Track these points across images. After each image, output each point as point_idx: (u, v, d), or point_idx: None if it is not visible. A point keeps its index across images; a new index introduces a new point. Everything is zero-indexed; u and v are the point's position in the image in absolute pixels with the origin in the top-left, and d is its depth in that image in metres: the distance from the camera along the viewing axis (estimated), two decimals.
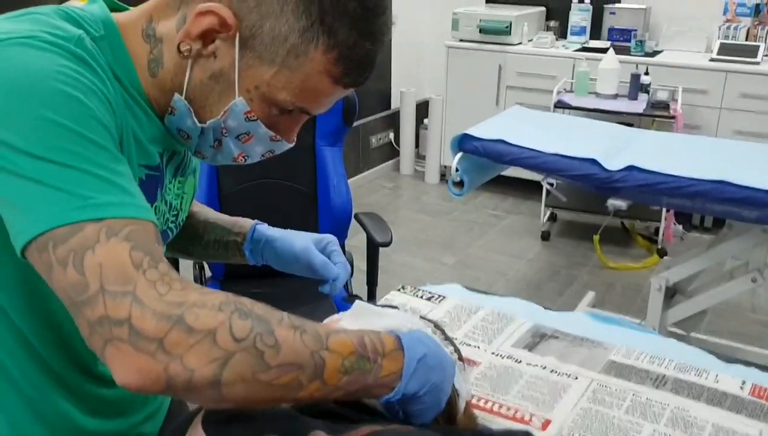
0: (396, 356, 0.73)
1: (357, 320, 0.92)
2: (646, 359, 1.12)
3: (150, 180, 0.80)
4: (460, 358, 0.95)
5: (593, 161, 2.30)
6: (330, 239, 1.05)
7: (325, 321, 0.96)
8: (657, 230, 3.71)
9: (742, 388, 1.05)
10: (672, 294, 2.71)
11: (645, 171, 2.25)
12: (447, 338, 0.95)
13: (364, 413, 0.78)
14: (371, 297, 2.09)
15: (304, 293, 2.15)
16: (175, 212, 0.90)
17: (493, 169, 2.61)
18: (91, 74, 0.68)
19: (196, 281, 2.17)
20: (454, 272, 3.37)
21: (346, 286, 2.17)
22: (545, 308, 1.32)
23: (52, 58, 0.65)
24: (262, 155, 0.82)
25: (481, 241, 3.77)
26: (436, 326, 0.95)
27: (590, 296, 3.13)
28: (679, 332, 2.64)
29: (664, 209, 3.57)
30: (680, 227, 3.79)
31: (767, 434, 0.95)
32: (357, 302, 0.96)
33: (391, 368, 0.73)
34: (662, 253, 3.59)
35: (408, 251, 3.57)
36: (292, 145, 0.82)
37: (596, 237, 3.58)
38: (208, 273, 2.19)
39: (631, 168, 2.26)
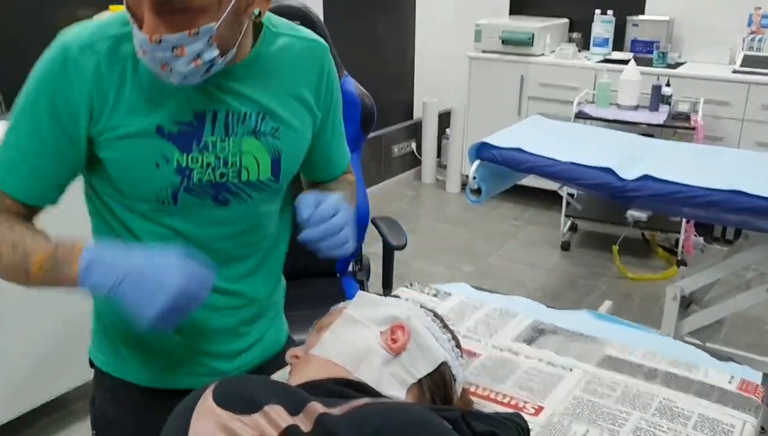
0: (75, 260, 0.90)
1: (359, 308, 0.98)
2: (640, 354, 1.17)
3: (183, 133, 0.95)
4: (458, 346, 1.01)
5: (609, 170, 2.33)
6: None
7: (332, 309, 1.03)
8: (677, 241, 3.72)
9: (730, 382, 1.09)
10: (688, 304, 2.73)
11: (659, 180, 2.27)
12: (445, 326, 1.01)
13: (363, 393, 0.85)
14: None
15: (323, 294, 2.23)
16: (236, 169, 1.00)
17: (510, 177, 2.66)
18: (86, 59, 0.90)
19: None
20: (472, 279, 3.38)
21: (363, 289, 2.23)
22: (548, 306, 1.37)
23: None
24: (162, 65, 0.88)
25: (501, 250, 3.81)
26: (435, 315, 1.02)
27: (607, 304, 3.15)
28: (696, 342, 2.65)
29: (683, 220, 3.57)
30: (701, 239, 3.79)
31: (751, 425, 0.99)
32: (359, 292, 1.02)
33: (73, 268, 0.90)
34: (682, 264, 3.59)
35: (427, 258, 3.62)
36: (146, 37, 0.85)
37: (615, 247, 3.60)
38: None
39: (645, 177, 2.29)
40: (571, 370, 1.12)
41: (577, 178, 2.42)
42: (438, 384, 0.93)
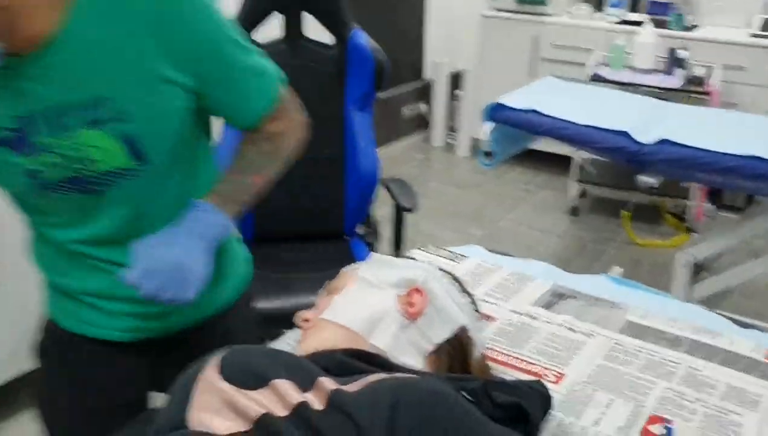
0: None
1: (374, 269, 0.95)
2: (663, 321, 1.13)
3: (16, 139, 0.86)
4: (476, 310, 0.97)
5: (625, 134, 2.28)
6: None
7: (343, 271, 0.99)
8: (686, 208, 3.67)
9: (756, 351, 1.06)
10: (698, 271, 2.70)
11: (677, 145, 2.22)
12: (464, 290, 0.97)
13: (376, 366, 0.81)
14: None
15: (331, 257, 2.20)
16: (86, 162, 0.88)
17: (524, 140, 2.61)
18: None
19: None
20: (481, 244, 3.37)
21: (371, 249, 2.20)
22: (565, 270, 1.33)
23: None
24: None
25: (511, 215, 3.77)
26: (454, 278, 0.98)
27: (617, 271, 3.12)
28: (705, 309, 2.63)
29: (694, 187, 3.52)
30: (711, 206, 3.74)
31: None
32: (373, 253, 0.99)
33: None
34: (691, 231, 3.55)
35: (436, 221, 3.59)
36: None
37: (625, 213, 3.55)
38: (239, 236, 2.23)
39: (663, 142, 2.24)
40: (592, 336, 1.09)
41: (592, 141, 2.36)
42: (456, 349, 0.90)
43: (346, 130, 2.18)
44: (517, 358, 1.04)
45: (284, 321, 2.10)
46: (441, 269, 0.98)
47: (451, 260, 1.31)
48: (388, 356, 0.84)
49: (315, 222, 2.27)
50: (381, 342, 0.86)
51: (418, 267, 0.95)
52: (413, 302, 0.89)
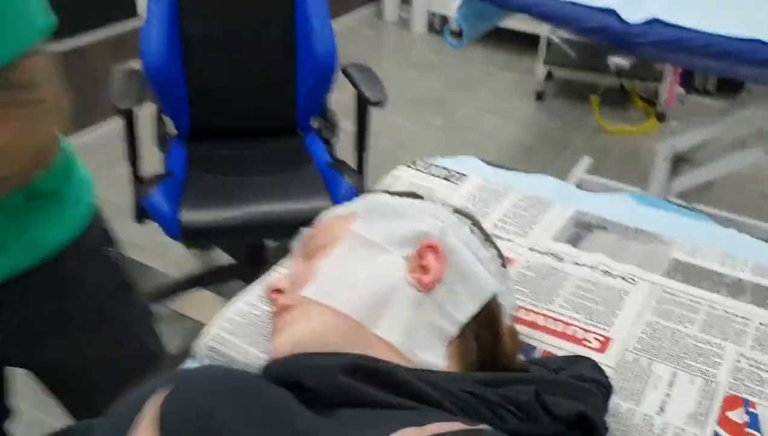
0: None
1: (372, 221, 0.68)
2: (717, 259, 0.91)
3: None
4: (503, 264, 0.72)
5: (611, 12, 2.00)
6: None
7: (325, 216, 0.72)
8: (657, 91, 3.46)
9: None
10: (677, 162, 2.53)
11: (669, 25, 1.96)
12: (488, 239, 0.72)
13: (392, 390, 0.54)
14: (360, 166, 1.84)
15: (282, 156, 1.90)
16: None
17: (495, 16, 2.31)
18: None
19: (158, 138, 1.90)
20: (443, 134, 3.12)
21: (330, 150, 1.92)
22: (578, 187, 1.09)
23: None
24: None
25: (472, 100, 3.49)
26: (475, 223, 0.72)
27: (586, 161, 2.92)
28: (682, 203, 2.48)
29: (668, 69, 3.30)
30: (681, 90, 3.54)
31: None
32: (370, 195, 0.72)
33: None
34: (661, 117, 3.36)
35: (393, 109, 3.27)
36: None
37: (594, 98, 3.32)
38: (173, 131, 1.90)
39: (653, 21, 1.97)
40: (634, 281, 0.86)
41: (574, 20, 2.07)
42: (484, 325, 0.66)
43: (297, 5, 1.83)
44: (547, 316, 0.80)
45: (224, 237, 1.85)
46: (457, 212, 0.72)
47: (446, 179, 1.04)
48: (402, 353, 0.59)
49: (262, 115, 1.96)
50: (391, 333, 0.60)
51: (429, 212, 0.69)
52: (427, 266, 0.64)
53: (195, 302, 2.03)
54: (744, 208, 2.71)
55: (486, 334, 0.65)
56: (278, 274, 0.81)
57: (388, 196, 0.72)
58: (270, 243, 1.98)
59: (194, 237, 1.68)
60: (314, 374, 0.53)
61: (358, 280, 0.62)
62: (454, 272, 0.64)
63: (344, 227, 0.67)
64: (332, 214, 0.71)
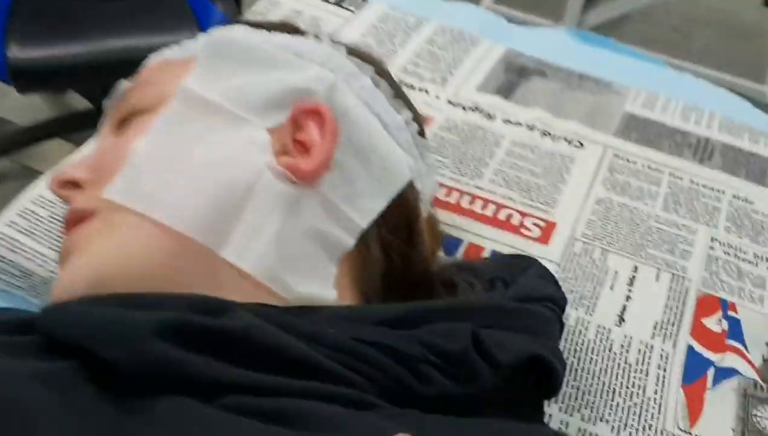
0: None
1: (219, 70, 0.43)
2: (678, 112, 0.73)
3: None
4: (422, 132, 0.51)
5: None
6: None
7: (150, 62, 0.47)
8: None
9: None
10: None
11: None
12: (399, 95, 0.49)
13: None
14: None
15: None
16: None
17: None
18: None
19: None
20: None
21: None
22: (509, 21, 0.87)
23: None
24: None
25: None
26: (380, 71, 0.49)
27: None
28: (598, 36, 2.31)
29: None
30: None
31: None
32: (220, 29, 0.46)
33: None
34: None
35: None
36: None
37: None
38: None
39: None
40: (581, 145, 0.67)
41: None
42: (395, 226, 0.45)
43: None
44: (474, 196, 0.61)
45: (66, 79, 1.52)
46: (354, 53, 0.48)
47: (338, 5, 0.78)
48: (268, 287, 0.38)
49: None
50: (248, 256, 0.38)
51: (310, 56, 0.44)
52: (307, 143, 0.41)
53: (47, 155, 1.73)
54: (656, 42, 2.57)
55: (397, 237, 0.45)
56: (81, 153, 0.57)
57: (249, 30, 0.47)
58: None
59: (28, 80, 1.35)
60: (112, 340, 0.31)
61: (191, 169, 0.39)
62: (350, 150, 0.42)
63: (175, 79, 0.42)
64: (161, 59, 0.46)
